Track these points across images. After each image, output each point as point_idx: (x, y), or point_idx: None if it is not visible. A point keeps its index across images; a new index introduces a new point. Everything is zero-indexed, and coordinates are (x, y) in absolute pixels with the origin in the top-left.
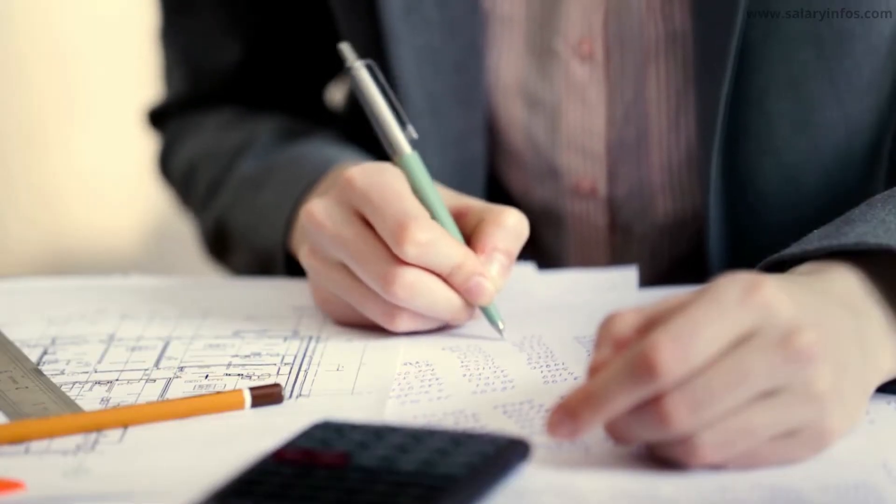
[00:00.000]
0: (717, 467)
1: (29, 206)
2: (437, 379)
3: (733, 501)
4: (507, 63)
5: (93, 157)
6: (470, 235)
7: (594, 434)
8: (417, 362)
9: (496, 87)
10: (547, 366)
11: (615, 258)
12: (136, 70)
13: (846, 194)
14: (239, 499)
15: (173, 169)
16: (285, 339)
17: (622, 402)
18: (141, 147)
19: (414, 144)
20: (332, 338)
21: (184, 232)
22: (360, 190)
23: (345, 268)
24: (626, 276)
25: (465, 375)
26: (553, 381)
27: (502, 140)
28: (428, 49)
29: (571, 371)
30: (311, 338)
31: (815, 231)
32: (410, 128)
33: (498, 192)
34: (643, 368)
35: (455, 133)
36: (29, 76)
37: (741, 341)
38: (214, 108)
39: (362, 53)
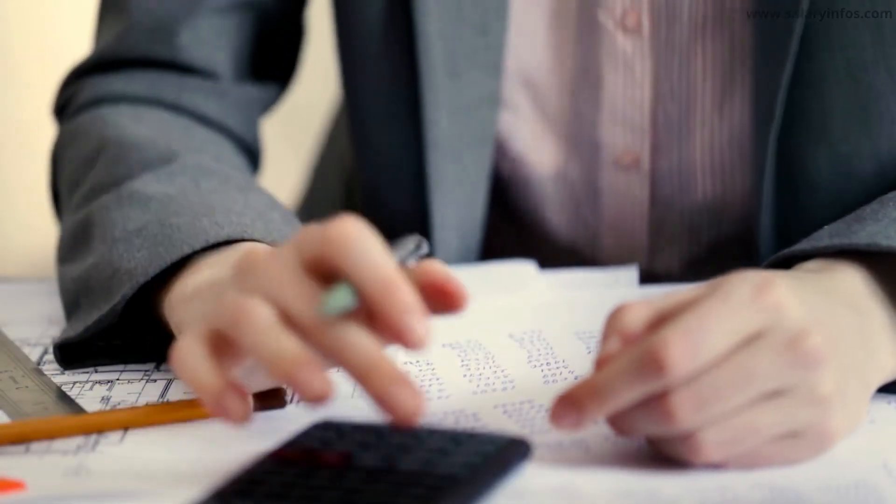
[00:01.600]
0: (718, 466)
1: (27, 211)
2: (437, 379)
3: (734, 501)
4: (547, 33)
5: None
6: None
7: (595, 433)
8: (417, 361)
9: (538, 58)
10: (547, 363)
11: (653, 232)
12: None
13: None
14: (239, 499)
15: (81, 132)
16: None
17: (628, 396)
18: None
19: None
20: None
21: None
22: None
23: None
24: (628, 275)
25: (465, 375)
26: (553, 381)
27: (542, 108)
28: (454, 7)
29: (572, 370)
30: None
31: (826, 227)
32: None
33: (508, 161)
34: (652, 365)
35: (472, 98)
36: (27, 80)
37: (749, 340)
38: (146, 103)
39: (385, 11)
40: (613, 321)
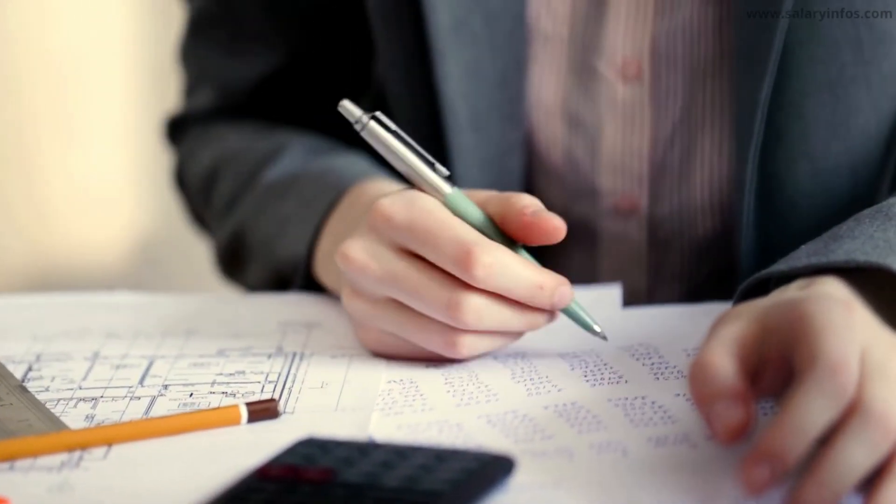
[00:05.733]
0: None
1: (21, 218)
2: (421, 395)
3: None
4: (549, 82)
5: (84, 171)
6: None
7: (578, 443)
8: (401, 380)
9: (538, 106)
10: (531, 379)
11: (651, 274)
12: (132, 85)
13: (873, 200)
14: None
15: (192, 175)
16: (269, 356)
17: (860, 474)
18: (132, 162)
19: (448, 179)
20: (316, 354)
21: (171, 250)
22: (401, 225)
23: (395, 303)
24: (611, 294)
25: (448, 391)
26: (537, 393)
27: (541, 158)
28: (474, 64)
29: (555, 384)
30: (294, 355)
31: (802, 247)
32: (440, 166)
33: None
34: (885, 433)
35: (496, 149)
36: (23, 90)
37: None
38: (241, 120)
39: (406, 68)
40: (704, 382)
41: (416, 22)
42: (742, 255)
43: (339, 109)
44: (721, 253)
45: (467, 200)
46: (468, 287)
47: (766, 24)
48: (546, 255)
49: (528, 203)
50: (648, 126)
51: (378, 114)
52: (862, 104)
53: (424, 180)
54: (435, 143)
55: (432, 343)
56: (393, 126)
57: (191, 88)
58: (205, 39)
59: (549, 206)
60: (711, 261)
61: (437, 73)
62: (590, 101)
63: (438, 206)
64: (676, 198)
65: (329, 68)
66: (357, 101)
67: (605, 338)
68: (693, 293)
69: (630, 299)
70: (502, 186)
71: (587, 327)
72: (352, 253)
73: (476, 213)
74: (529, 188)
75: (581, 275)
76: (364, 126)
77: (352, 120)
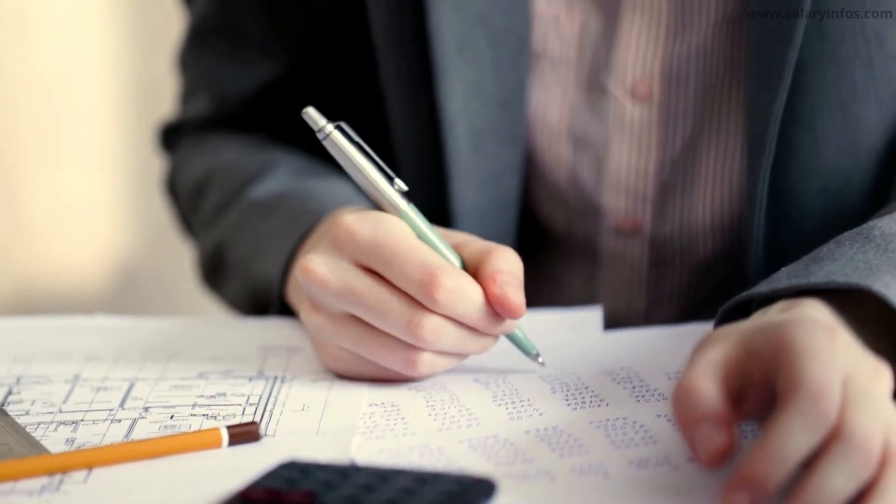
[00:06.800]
0: None
1: (3, 238)
2: (402, 418)
3: None
4: (553, 102)
5: (67, 192)
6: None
7: (560, 466)
8: (383, 403)
9: (542, 127)
10: (512, 402)
11: (650, 292)
12: (115, 107)
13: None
14: None
15: (184, 182)
16: (250, 379)
17: (841, 500)
18: (115, 182)
19: (406, 196)
20: (297, 378)
21: (154, 270)
22: (364, 243)
23: (354, 319)
24: (592, 317)
25: (430, 415)
26: (518, 418)
27: (544, 178)
28: (476, 84)
29: (537, 408)
30: (275, 378)
31: (783, 269)
32: (399, 181)
33: (532, 227)
34: (866, 460)
35: (495, 169)
36: (5, 111)
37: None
38: (237, 132)
39: (408, 85)
40: (688, 406)
41: (420, 40)
42: (752, 271)
43: (303, 117)
44: (720, 273)
45: (420, 220)
46: (425, 307)
47: (782, 38)
48: (545, 272)
49: (504, 270)
50: (655, 146)
51: (342, 124)
52: (872, 122)
53: (381, 195)
54: (434, 162)
55: (391, 360)
56: (356, 137)
57: (187, 95)
58: (205, 47)
59: (551, 224)
60: (711, 280)
61: (439, 92)
62: (597, 120)
63: (404, 228)
64: (679, 218)
65: (327, 81)
66: (352, 112)
67: (543, 364)
68: (691, 312)
69: (628, 317)
70: (500, 206)
71: (527, 353)
72: (312, 266)
73: (430, 232)
74: (530, 206)
75: (580, 292)
76: (326, 136)
77: (315, 128)
